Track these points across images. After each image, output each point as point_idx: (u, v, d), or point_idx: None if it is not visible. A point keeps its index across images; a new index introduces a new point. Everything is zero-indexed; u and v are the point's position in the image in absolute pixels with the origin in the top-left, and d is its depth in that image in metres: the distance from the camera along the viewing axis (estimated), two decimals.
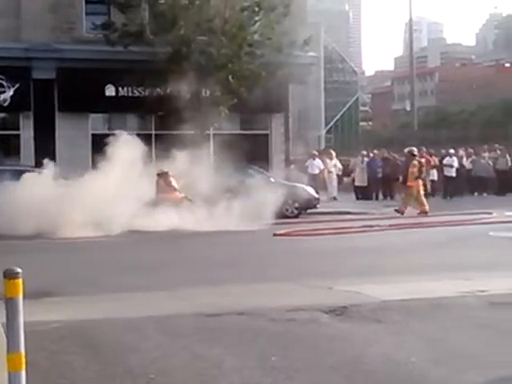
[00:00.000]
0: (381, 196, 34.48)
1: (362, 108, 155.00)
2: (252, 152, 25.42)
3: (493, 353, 8.05)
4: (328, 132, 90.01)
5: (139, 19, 26.84)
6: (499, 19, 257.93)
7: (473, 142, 38.47)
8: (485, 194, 34.38)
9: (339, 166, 34.77)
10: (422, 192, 26.44)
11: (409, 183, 26.29)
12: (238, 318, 9.59)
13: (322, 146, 47.91)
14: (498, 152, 36.38)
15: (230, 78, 26.45)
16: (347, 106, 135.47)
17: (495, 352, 8.07)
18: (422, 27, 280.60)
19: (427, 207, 25.92)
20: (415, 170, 26.20)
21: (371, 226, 21.46)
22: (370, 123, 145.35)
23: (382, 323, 9.49)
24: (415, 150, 27.10)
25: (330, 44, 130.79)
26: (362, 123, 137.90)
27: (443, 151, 36.00)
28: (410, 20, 42.80)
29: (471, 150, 36.35)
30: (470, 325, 9.43)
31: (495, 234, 19.40)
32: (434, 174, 34.35)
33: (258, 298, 11.02)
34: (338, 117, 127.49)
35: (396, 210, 25.98)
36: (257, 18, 27.62)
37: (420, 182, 26.47)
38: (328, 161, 33.39)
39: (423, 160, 27.25)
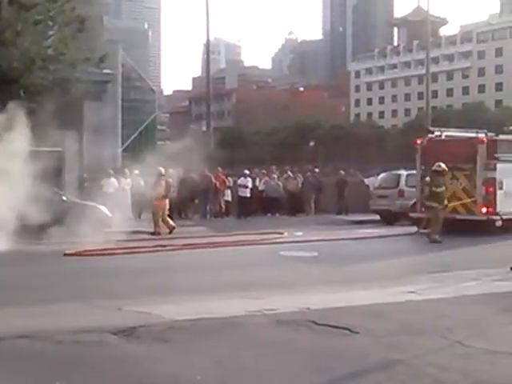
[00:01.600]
0: (176, 215, 34.49)
1: (159, 127, 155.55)
2: (44, 169, 24.65)
3: (279, 371, 8.18)
4: (125, 150, 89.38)
5: None
6: (294, 44, 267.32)
7: (268, 163, 39.34)
8: (277, 215, 35.21)
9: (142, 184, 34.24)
10: (166, 212, 26.76)
11: (155, 202, 26.58)
12: (20, 341, 9.19)
13: (119, 165, 47.37)
14: (289, 173, 37.42)
15: (21, 92, 25.63)
16: (144, 124, 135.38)
17: (282, 370, 8.20)
18: (220, 49, 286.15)
19: (173, 226, 26.28)
20: (162, 189, 26.57)
21: (164, 246, 21.40)
22: (168, 142, 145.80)
23: (171, 343, 9.43)
24: (163, 170, 27.28)
25: (129, 62, 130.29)
26: (159, 142, 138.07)
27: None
28: (208, 41, 43.44)
29: (264, 171, 37.16)
30: (257, 344, 9.54)
31: (285, 254, 19.88)
32: (229, 195, 34.85)
33: (43, 319, 10.65)
34: (135, 135, 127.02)
35: (152, 233, 25.95)
36: (51, 33, 26.98)
37: (167, 201, 26.79)
38: (123, 179, 33.04)
39: (170, 180, 27.58)
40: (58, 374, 7.80)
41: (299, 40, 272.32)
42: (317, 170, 39.79)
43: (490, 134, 26.68)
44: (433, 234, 23.14)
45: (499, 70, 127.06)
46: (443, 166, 23.79)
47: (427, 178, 24.32)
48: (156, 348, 9.16)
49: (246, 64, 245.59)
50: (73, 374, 7.86)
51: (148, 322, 10.45)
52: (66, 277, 15.90)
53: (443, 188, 23.59)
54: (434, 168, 23.86)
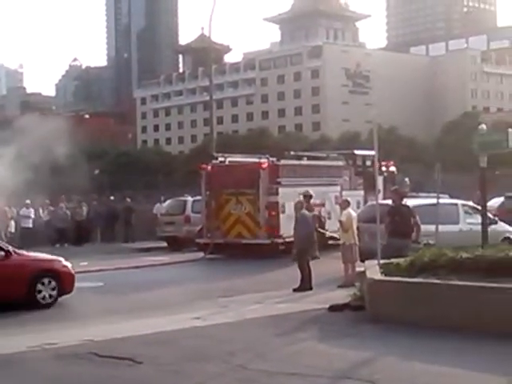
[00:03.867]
0: None
1: None
2: None
3: None
4: None
5: None
6: (79, 71, 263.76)
7: (56, 193, 38.26)
8: (66, 245, 34.30)
9: None
10: None
11: None
12: None
13: None
14: (76, 203, 36.78)
15: None
16: None
17: None
18: (1, 75, 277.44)
19: None
20: None
21: None
22: None
23: None
24: None
25: None
26: None
27: None
28: None
29: (47, 201, 36.13)
30: (38, 380, 9.28)
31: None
32: (12, 226, 33.61)
33: None
34: None
35: None
36: None
37: None
38: None
39: None
40: None
41: (84, 66, 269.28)
42: (112, 197, 39.33)
43: (272, 159, 27.31)
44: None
45: (281, 96, 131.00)
46: (311, 191, 24.27)
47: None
48: None
49: (29, 91, 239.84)
50: None
51: None
52: None
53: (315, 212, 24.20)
54: (303, 193, 24.25)
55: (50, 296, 15.99)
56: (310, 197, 24.34)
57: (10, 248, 16.34)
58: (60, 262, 16.96)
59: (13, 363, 10.12)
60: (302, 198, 21.45)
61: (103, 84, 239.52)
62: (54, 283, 16.09)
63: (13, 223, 33.52)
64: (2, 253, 15.90)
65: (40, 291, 15.90)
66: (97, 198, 39.30)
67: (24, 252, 17.10)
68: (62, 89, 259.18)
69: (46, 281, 16.05)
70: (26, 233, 33.52)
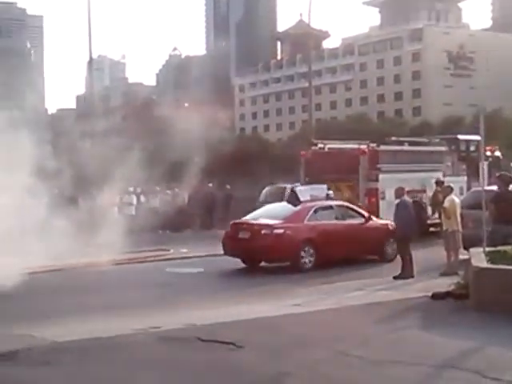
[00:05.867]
0: None
1: None
2: None
3: None
4: None
5: None
6: (178, 60, 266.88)
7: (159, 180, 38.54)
8: (167, 231, 34.50)
9: None
10: None
11: None
12: None
13: None
14: (177, 190, 37.21)
15: None
16: None
17: None
18: (105, 66, 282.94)
19: None
20: None
21: None
22: None
23: (53, 366, 9.24)
24: None
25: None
26: None
27: None
28: (91, 59, 42.96)
29: (158, 188, 36.62)
30: (142, 363, 9.43)
31: (171, 270, 19.71)
32: (115, 213, 34.13)
33: None
34: None
35: None
36: None
37: None
38: None
39: None
40: None
41: (183, 56, 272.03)
42: (210, 184, 39.57)
43: (372, 145, 27.03)
44: None
45: (380, 81, 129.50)
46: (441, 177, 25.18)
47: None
48: (38, 371, 8.96)
49: (131, 81, 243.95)
50: None
51: (29, 345, 10.19)
52: None
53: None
54: (436, 180, 24.13)
55: (392, 253, 20.40)
56: (443, 183, 23.82)
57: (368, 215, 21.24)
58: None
59: (117, 346, 10.31)
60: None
61: (202, 72, 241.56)
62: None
63: (116, 210, 34.09)
64: (363, 219, 20.99)
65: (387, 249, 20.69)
66: (196, 185, 39.61)
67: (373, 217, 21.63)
68: (162, 78, 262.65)
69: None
70: (128, 219, 34.03)
